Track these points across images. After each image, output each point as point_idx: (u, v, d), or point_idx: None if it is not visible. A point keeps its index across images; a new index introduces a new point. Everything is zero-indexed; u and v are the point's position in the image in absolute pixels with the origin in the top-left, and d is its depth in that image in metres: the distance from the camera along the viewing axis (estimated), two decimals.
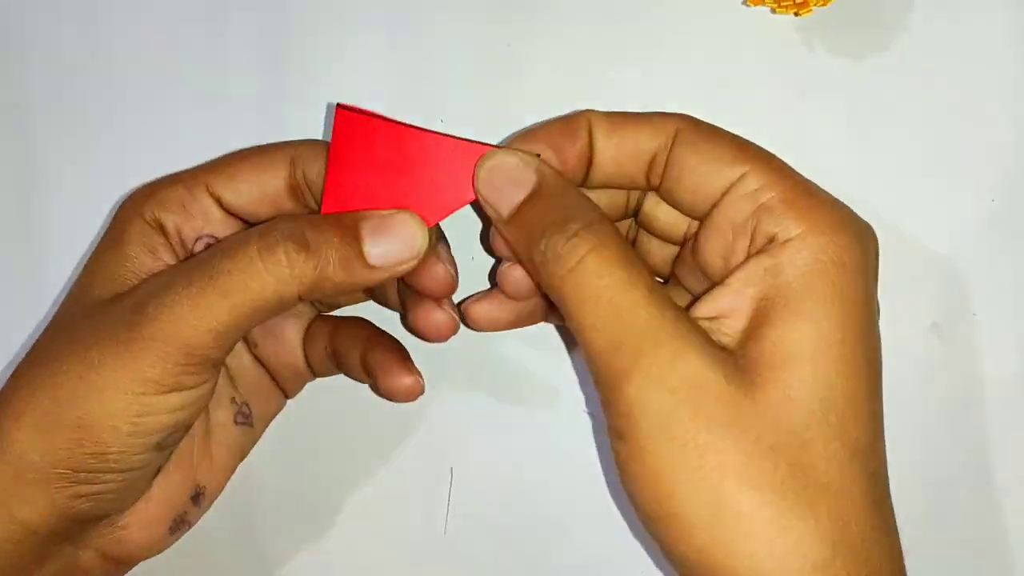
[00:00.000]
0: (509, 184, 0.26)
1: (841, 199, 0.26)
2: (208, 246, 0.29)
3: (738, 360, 0.24)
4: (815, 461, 0.23)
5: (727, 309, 0.24)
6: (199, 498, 0.31)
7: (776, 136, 0.33)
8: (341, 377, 0.35)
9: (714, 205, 0.26)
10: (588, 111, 0.27)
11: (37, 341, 0.28)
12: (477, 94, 0.34)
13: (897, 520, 0.33)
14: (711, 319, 0.25)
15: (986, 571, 0.33)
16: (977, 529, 0.33)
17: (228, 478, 0.32)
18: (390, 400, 0.31)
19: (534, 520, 0.35)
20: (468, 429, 0.35)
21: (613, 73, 0.33)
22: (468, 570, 0.35)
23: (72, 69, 0.36)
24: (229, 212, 0.29)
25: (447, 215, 0.28)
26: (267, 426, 0.33)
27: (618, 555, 0.35)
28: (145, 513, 0.29)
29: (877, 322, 0.25)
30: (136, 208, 0.29)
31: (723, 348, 0.24)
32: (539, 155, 0.27)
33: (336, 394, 0.35)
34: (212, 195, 0.29)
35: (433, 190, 0.27)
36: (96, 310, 0.27)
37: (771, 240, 0.24)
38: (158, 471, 0.29)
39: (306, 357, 0.32)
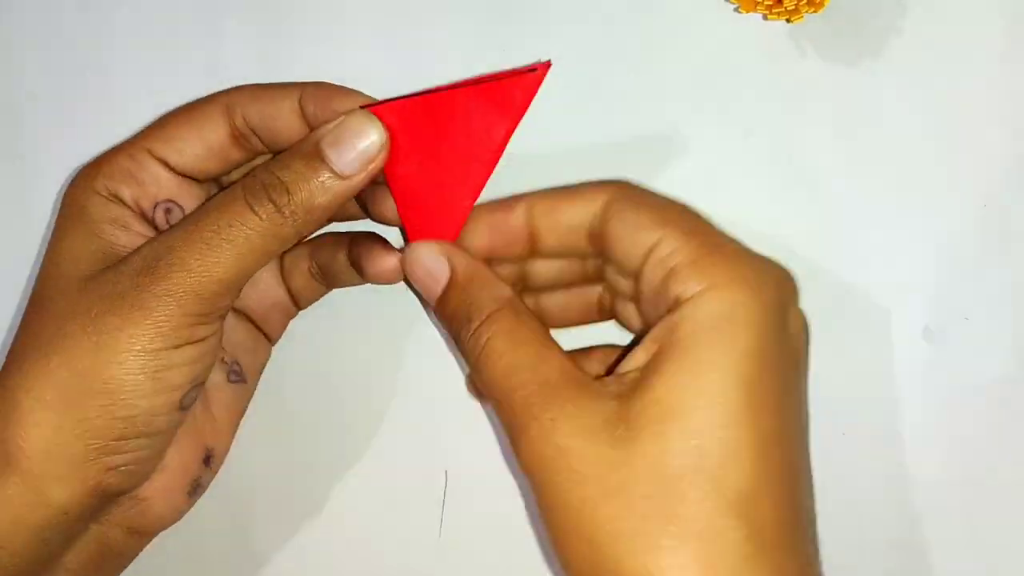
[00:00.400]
0: (428, 277, 0.29)
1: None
2: (168, 211, 0.30)
3: (627, 413, 0.24)
4: (688, 511, 0.23)
5: (635, 367, 0.25)
6: (210, 460, 0.32)
7: (768, 142, 0.33)
8: (337, 381, 0.35)
9: (639, 272, 0.27)
10: (527, 194, 0.29)
11: (22, 325, 0.29)
12: None
13: (885, 523, 0.33)
14: (622, 375, 0.26)
15: (979, 573, 0.33)
16: (970, 532, 0.33)
17: (232, 438, 0.33)
18: (377, 283, 0.32)
19: (529, 523, 0.35)
20: (462, 432, 0.35)
21: (605, 79, 0.33)
22: (463, 574, 0.35)
23: (70, 66, 0.36)
24: (179, 174, 0.30)
25: (497, 156, 0.29)
26: (258, 379, 0.34)
27: None
28: (163, 483, 0.30)
29: (784, 370, 0.25)
30: (88, 185, 0.29)
31: (616, 399, 0.25)
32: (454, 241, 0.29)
33: (331, 397, 0.36)
34: (157, 159, 0.30)
35: (473, 140, 0.29)
36: (86, 284, 0.28)
37: (676, 300, 0.25)
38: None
39: (288, 290, 0.33)
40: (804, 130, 0.33)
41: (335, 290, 0.34)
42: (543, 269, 0.30)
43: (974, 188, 0.32)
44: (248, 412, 0.36)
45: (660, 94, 0.33)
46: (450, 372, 0.35)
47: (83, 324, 0.27)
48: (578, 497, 0.24)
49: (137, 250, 0.28)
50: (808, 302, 0.33)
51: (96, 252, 0.29)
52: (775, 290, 0.25)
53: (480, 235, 0.30)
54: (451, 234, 0.30)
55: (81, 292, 0.28)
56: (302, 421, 0.36)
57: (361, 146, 0.28)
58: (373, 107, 0.29)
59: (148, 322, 0.27)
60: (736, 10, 0.33)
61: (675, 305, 0.25)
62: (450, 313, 0.28)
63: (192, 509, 0.37)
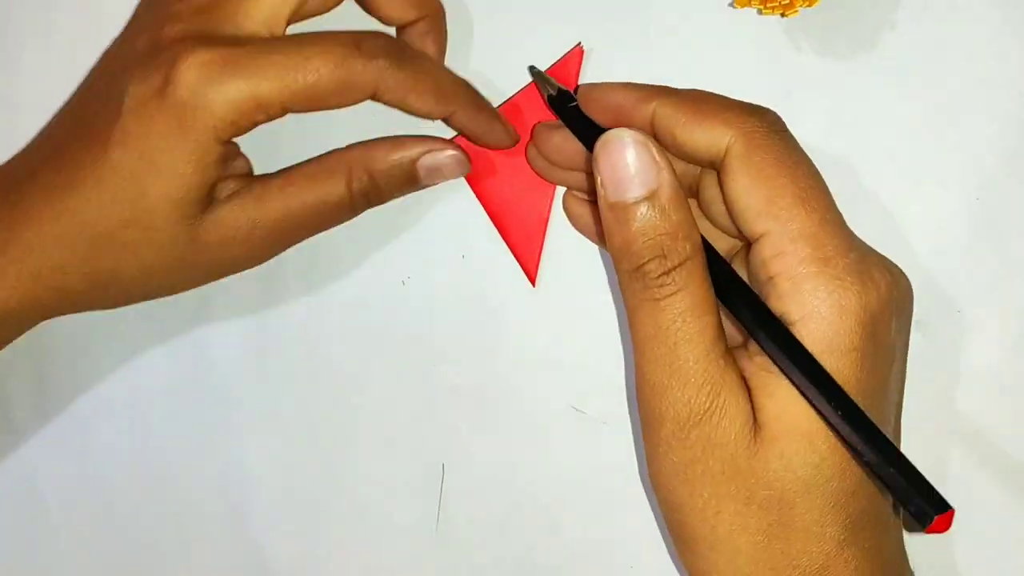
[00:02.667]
0: (630, 175, 0.27)
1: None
2: None
3: (755, 424, 0.27)
4: (797, 520, 0.26)
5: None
6: None
7: None
8: (334, 374, 0.35)
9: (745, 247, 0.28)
10: (656, 91, 0.29)
11: None
12: None
13: None
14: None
15: (974, 566, 0.33)
16: (961, 524, 0.33)
17: None
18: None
19: (526, 515, 0.35)
20: (460, 425, 0.35)
21: (600, 72, 0.34)
22: (460, 566, 0.36)
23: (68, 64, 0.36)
24: None
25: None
26: None
27: (609, 550, 0.35)
28: None
29: (880, 387, 0.27)
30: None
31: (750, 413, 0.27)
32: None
33: (328, 391, 0.36)
34: None
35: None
36: None
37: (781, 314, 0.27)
38: None
39: None
40: (798, 124, 0.33)
41: (332, 284, 0.35)
42: None
43: (967, 181, 0.33)
44: (245, 406, 0.37)
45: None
46: (447, 366, 0.35)
47: None
48: (705, 494, 0.27)
49: None
50: None
51: None
52: (874, 310, 0.26)
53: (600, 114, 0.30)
54: (542, 216, 0.33)
55: None
56: (300, 413, 0.36)
57: (447, 177, 0.31)
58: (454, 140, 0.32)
59: None
60: (731, 5, 0.33)
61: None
62: (638, 232, 0.27)
63: (191, 504, 0.37)
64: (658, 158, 0.27)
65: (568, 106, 0.31)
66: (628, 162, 0.27)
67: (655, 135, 0.28)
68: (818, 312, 0.26)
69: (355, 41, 0.28)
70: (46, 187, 0.28)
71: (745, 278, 0.28)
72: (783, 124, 0.28)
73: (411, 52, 0.29)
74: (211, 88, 0.26)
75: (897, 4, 0.33)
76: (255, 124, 0.28)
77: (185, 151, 0.27)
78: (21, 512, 0.38)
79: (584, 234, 0.34)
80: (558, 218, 0.34)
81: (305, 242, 0.35)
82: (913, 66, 0.33)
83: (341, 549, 0.36)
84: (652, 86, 0.29)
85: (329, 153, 0.30)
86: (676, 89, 0.29)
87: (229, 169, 0.29)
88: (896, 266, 0.28)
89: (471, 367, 0.35)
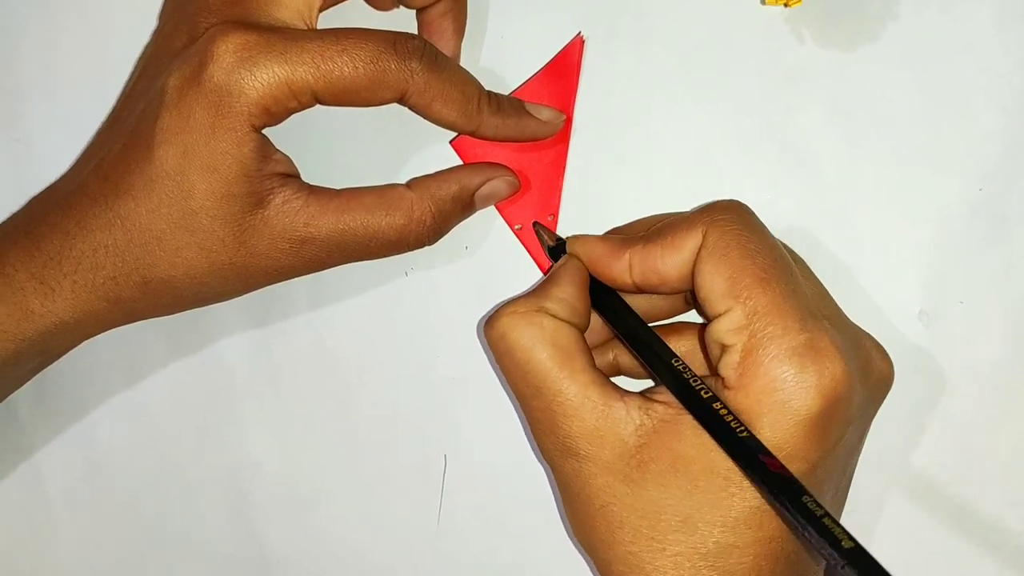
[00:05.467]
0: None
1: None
2: None
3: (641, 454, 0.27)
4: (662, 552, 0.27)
5: (666, 402, 0.28)
6: None
7: (765, 125, 0.33)
8: (336, 366, 0.35)
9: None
10: (629, 243, 0.30)
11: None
12: None
13: (879, 506, 0.33)
14: (650, 400, 0.28)
15: (972, 555, 0.33)
16: (962, 513, 0.33)
17: None
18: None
19: (527, 507, 0.35)
20: (462, 416, 0.35)
21: (603, 62, 0.34)
22: (462, 557, 0.36)
23: (67, 65, 0.36)
24: None
25: (569, 123, 0.34)
26: None
27: None
28: None
29: (836, 461, 0.28)
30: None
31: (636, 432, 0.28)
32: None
33: (330, 382, 0.36)
34: None
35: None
36: None
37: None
38: None
39: None
40: (800, 114, 0.33)
41: (335, 275, 0.35)
42: (642, 300, 0.32)
43: (970, 172, 0.33)
44: (247, 398, 0.37)
45: (656, 79, 0.33)
46: (450, 357, 0.35)
47: None
48: (595, 507, 0.28)
49: None
50: None
51: None
52: (827, 387, 0.26)
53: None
54: (554, 206, 0.34)
55: None
56: (302, 406, 0.36)
57: (499, 199, 0.33)
58: (456, 140, 0.34)
59: None
60: None
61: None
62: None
63: (194, 498, 0.37)
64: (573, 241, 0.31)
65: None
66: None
67: (641, 280, 0.29)
68: (770, 389, 0.26)
69: (391, 40, 0.28)
70: (95, 196, 0.28)
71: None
72: (747, 213, 0.29)
73: (444, 59, 0.29)
74: (246, 71, 0.27)
75: None
76: (288, 112, 0.28)
77: (224, 142, 0.27)
78: (26, 509, 0.38)
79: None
80: (567, 211, 0.34)
81: None
82: (915, 57, 0.33)
83: (343, 540, 0.36)
84: (626, 238, 0.30)
85: (391, 187, 0.30)
86: (647, 231, 0.30)
87: (270, 166, 0.29)
88: (870, 348, 0.29)
89: (473, 358, 0.35)
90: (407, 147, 0.34)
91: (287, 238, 0.29)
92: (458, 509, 0.36)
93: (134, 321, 0.30)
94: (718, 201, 0.30)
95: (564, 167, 0.34)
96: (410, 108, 0.29)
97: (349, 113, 0.30)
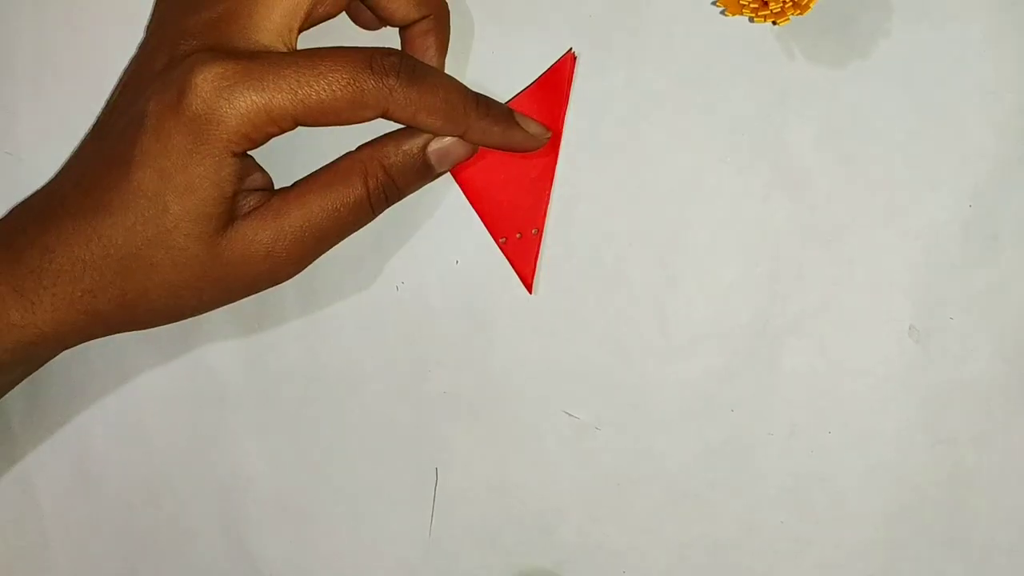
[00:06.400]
0: None
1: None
2: None
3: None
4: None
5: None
6: None
7: (755, 143, 0.33)
8: (328, 382, 0.35)
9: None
10: None
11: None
12: None
13: (869, 521, 0.33)
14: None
15: (962, 571, 0.33)
16: (952, 529, 0.33)
17: None
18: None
19: (519, 521, 0.35)
20: (453, 430, 0.35)
21: (594, 80, 0.34)
22: (453, 571, 0.36)
23: (58, 79, 0.36)
24: None
25: (559, 140, 0.34)
26: None
27: (602, 555, 0.35)
28: None
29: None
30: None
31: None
32: None
33: (322, 396, 0.36)
34: None
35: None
36: None
37: None
38: None
39: None
40: (791, 131, 0.33)
41: (326, 289, 0.35)
42: None
43: (960, 188, 0.33)
44: (239, 411, 0.37)
45: (647, 96, 0.33)
46: (441, 370, 0.35)
47: None
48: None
49: None
50: (795, 301, 0.33)
51: None
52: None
53: None
54: (539, 220, 0.34)
55: None
56: (294, 419, 0.36)
57: (458, 159, 0.32)
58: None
59: None
60: (722, 13, 0.33)
61: None
62: None
63: (186, 510, 0.37)
64: None
65: None
66: None
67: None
68: None
69: (367, 59, 0.28)
70: (74, 212, 0.29)
71: None
72: None
73: (423, 70, 0.29)
74: (225, 100, 0.27)
75: (889, 11, 0.32)
76: (268, 137, 0.28)
77: (201, 167, 0.28)
78: (17, 519, 0.38)
79: None
80: (553, 226, 0.34)
81: None
82: (905, 73, 0.33)
83: (335, 555, 0.36)
84: None
85: (341, 158, 0.31)
86: None
87: (247, 183, 0.29)
88: None
89: (464, 372, 0.35)
90: None
91: (259, 244, 0.29)
92: (449, 523, 0.36)
93: (113, 333, 0.30)
94: None
95: (551, 182, 0.34)
96: (395, 122, 0.30)
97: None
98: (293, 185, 0.30)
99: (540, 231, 0.34)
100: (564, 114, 0.34)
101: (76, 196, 0.29)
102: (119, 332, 0.30)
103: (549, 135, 0.33)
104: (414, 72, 0.29)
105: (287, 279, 0.30)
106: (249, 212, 0.29)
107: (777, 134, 0.33)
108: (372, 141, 0.31)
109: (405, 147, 0.31)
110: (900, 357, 0.33)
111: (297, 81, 0.27)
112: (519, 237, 0.34)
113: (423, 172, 0.31)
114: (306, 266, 0.30)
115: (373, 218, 0.31)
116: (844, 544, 0.34)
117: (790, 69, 0.33)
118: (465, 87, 0.30)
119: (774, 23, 0.31)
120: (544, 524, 0.35)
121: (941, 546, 0.33)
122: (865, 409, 0.33)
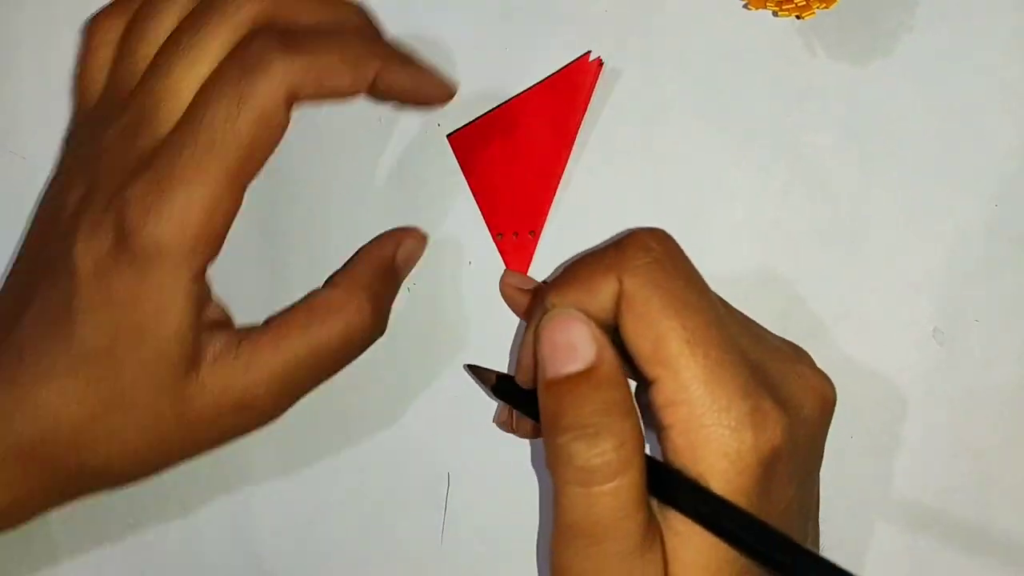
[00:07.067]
0: (566, 350, 0.24)
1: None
2: None
3: None
4: None
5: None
6: None
7: (776, 140, 0.33)
8: (339, 383, 0.35)
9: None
10: (550, 287, 0.27)
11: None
12: (474, 95, 0.34)
13: (893, 526, 0.33)
14: None
15: None
16: (978, 535, 0.33)
17: None
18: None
19: (532, 526, 0.35)
20: (466, 435, 0.35)
21: (613, 76, 0.33)
22: None
23: (62, 77, 0.36)
24: None
25: (571, 144, 0.33)
26: None
27: None
28: None
29: (789, 517, 0.25)
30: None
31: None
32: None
33: (332, 399, 0.35)
34: None
35: (548, 135, 0.33)
36: None
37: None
38: None
39: None
40: (813, 128, 0.32)
41: None
42: None
43: (986, 188, 0.32)
44: None
45: (667, 92, 0.33)
46: (454, 375, 0.35)
47: None
48: None
49: None
50: (816, 303, 0.33)
51: None
52: (765, 454, 0.24)
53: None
54: (538, 223, 0.33)
55: None
56: (304, 424, 0.36)
57: (417, 259, 0.33)
58: (453, 135, 0.33)
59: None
60: (745, 6, 0.32)
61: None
62: (570, 400, 0.24)
63: (192, 513, 0.36)
64: (598, 335, 0.25)
65: (508, 386, 0.31)
66: (567, 338, 0.24)
67: None
68: (713, 468, 0.23)
69: (247, 67, 0.25)
70: (10, 382, 0.25)
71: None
72: (664, 254, 0.26)
73: (301, 37, 0.26)
74: (159, 226, 0.24)
75: (914, 7, 0.32)
76: (221, 240, 0.25)
77: (149, 303, 0.25)
78: (22, 527, 0.38)
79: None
80: (555, 223, 0.34)
81: (309, 250, 0.35)
82: (930, 70, 0.32)
83: (345, 561, 0.36)
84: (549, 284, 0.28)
85: (315, 295, 0.29)
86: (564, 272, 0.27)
87: (204, 315, 0.26)
88: (808, 375, 0.27)
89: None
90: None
91: (228, 396, 0.26)
92: (461, 528, 0.35)
93: (82, 498, 0.28)
94: (633, 234, 0.26)
95: (556, 184, 0.33)
96: (313, 103, 0.26)
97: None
98: (264, 327, 0.27)
99: (537, 234, 0.33)
100: (580, 119, 0.33)
101: (9, 364, 0.25)
102: (89, 497, 0.28)
103: (454, 91, 0.30)
104: (289, 43, 0.25)
105: (269, 422, 0.28)
106: (214, 361, 0.26)
107: (798, 131, 0.32)
108: (339, 272, 0.31)
109: (375, 266, 0.30)
110: (924, 360, 0.32)
111: (215, 178, 0.25)
112: (515, 236, 0.33)
113: (392, 286, 0.31)
114: (292, 405, 0.28)
115: (360, 353, 0.29)
116: (867, 551, 0.33)
117: (813, 65, 0.32)
118: (362, 36, 0.27)
119: (798, 17, 0.31)
120: None
121: (964, 556, 0.33)
122: (888, 413, 0.33)
